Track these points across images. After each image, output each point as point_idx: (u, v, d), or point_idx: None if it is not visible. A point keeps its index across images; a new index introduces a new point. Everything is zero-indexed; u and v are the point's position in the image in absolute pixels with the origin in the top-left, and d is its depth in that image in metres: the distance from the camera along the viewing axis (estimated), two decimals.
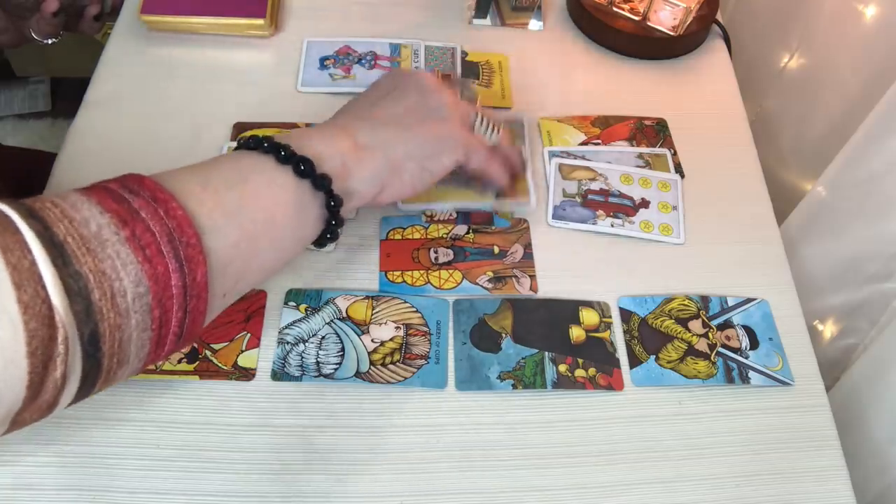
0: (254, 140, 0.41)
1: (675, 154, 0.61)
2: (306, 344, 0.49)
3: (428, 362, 0.49)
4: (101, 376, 0.33)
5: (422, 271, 0.53)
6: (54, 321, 0.29)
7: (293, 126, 0.60)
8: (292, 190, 0.40)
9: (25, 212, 0.31)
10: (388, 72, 0.50)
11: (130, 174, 0.36)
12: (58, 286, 0.30)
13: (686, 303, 0.53)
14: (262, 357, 0.49)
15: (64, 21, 0.71)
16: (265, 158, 0.40)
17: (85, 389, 0.33)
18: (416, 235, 0.55)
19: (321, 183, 0.41)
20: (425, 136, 0.46)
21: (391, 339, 0.50)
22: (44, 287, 0.29)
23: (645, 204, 0.58)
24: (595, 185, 0.58)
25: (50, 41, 0.72)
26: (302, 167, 0.40)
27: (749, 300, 0.54)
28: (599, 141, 0.62)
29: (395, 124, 0.46)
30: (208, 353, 0.48)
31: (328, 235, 0.44)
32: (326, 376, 0.48)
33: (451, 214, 0.56)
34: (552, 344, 0.50)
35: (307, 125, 0.60)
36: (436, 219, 0.56)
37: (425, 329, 0.50)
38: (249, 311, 0.50)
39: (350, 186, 0.43)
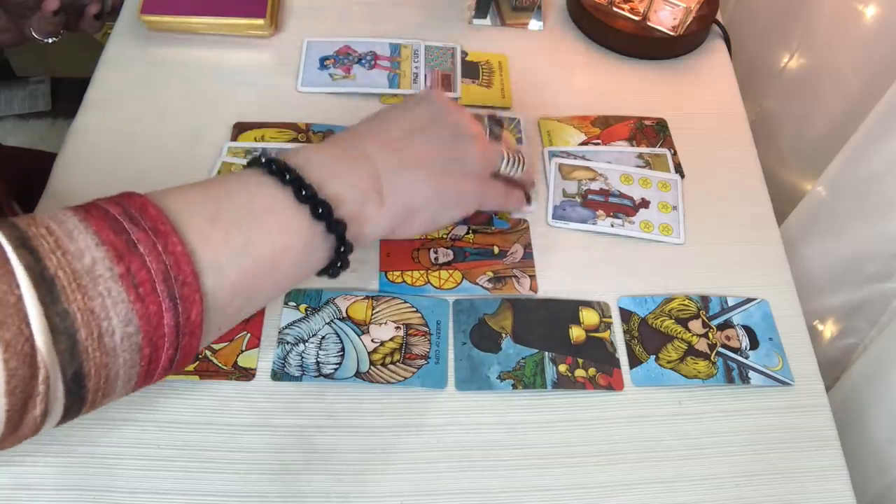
0: (276, 166, 0.39)
1: (675, 154, 0.61)
2: (306, 344, 0.49)
3: (428, 362, 0.49)
4: (85, 408, 0.32)
5: (422, 271, 0.53)
6: (36, 361, 0.28)
7: (293, 126, 0.60)
8: (305, 233, 0.39)
9: (17, 240, 0.30)
10: (428, 95, 0.47)
11: (134, 196, 0.34)
12: (43, 324, 0.29)
13: (686, 303, 0.53)
14: (262, 357, 0.49)
15: (64, 20, 0.71)
16: (283, 193, 0.38)
17: (67, 419, 0.32)
18: (416, 236, 0.55)
19: (335, 228, 0.39)
20: (445, 190, 0.45)
21: (391, 339, 0.50)
22: (28, 325, 0.28)
23: (645, 204, 0.58)
24: (595, 185, 0.58)
25: (50, 40, 0.72)
26: (320, 210, 0.38)
27: (749, 300, 0.54)
28: (599, 141, 0.62)
29: (421, 168, 0.44)
30: (208, 352, 0.48)
31: (329, 272, 0.43)
32: (326, 376, 0.48)
33: None
34: (552, 344, 0.50)
35: (307, 126, 0.60)
36: None
37: (425, 329, 0.50)
38: None
39: (363, 232, 0.42)
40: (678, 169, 0.60)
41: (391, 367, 0.49)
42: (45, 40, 0.72)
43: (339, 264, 0.42)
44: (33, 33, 0.71)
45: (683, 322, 0.52)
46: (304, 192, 0.38)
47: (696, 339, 0.51)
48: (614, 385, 0.49)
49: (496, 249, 0.55)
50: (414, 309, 0.51)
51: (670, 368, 0.50)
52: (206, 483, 0.44)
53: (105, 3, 0.72)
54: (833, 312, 0.61)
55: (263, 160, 0.39)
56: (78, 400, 0.31)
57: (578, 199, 0.58)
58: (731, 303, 0.53)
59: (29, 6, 0.69)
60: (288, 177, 0.38)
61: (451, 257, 0.54)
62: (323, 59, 0.65)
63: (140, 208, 0.33)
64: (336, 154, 0.42)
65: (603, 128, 0.63)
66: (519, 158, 0.51)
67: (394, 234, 0.45)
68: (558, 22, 0.71)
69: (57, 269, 0.30)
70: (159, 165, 0.58)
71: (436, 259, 0.54)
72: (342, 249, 0.40)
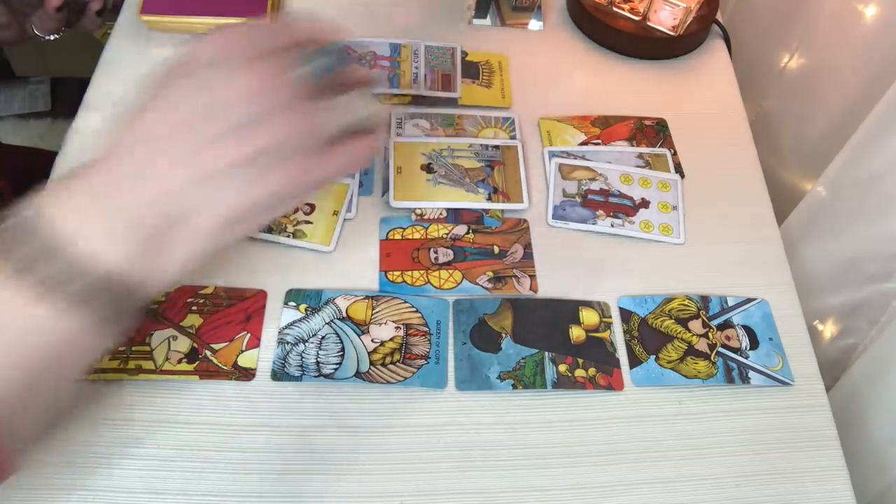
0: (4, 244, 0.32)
1: (675, 154, 0.61)
2: (306, 344, 0.49)
3: (428, 362, 0.49)
4: None
5: (422, 271, 0.53)
6: None
7: None
8: (61, 325, 0.32)
9: None
10: (187, 61, 0.36)
11: None
12: None
13: (686, 303, 0.53)
14: (262, 357, 0.49)
15: (66, 17, 0.70)
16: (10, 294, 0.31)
17: None
18: (416, 235, 0.55)
19: (93, 305, 0.32)
20: (258, 200, 0.35)
21: (391, 339, 0.50)
22: None
23: (645, 204, 0.58)
24: (595, 185, 0.58)
25: (52, 37, 0.72)
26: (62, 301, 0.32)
27: (749, 300, 0.54)
28: (599, 141, 0.62)
29: (218, 194, 0.34)
30: (208, 353, 0.48)
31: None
32: (326, 376, 0.48)
33: (441, 213, 0.56)
34: (552, 344, 0.50)
35: None
36: (426, 217, 0.56)
37: (425, 329, 0.50)
38: (249, 311, 0.50)
39: (145, 290, 0.34)
40: (678, 169, 0.60)
41: (391, 367, 0.49)
42: (47, 37, 0.72)
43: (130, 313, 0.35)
44: (35, 30, 0.71)
45: (683, 322, 0.52)
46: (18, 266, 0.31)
47: (696, 339, 0.51)
48: (614, 385, 0.49)
49: (496, 249, 0.55)
50: (414, 309, 0.51)
51: (670, 368, 0.50)
52: (206, 483, 0.44)
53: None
54: (833, 312, 0.61)
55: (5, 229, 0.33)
56: None
57: (578, 199, 0.58)
58: (731, 303, 0.53)
59: (31, 2, 0.68)
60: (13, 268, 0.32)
61: (451, 257, 0.54)
62: None
63: None
64: (94, 195, 0.35)
65: (603, 128, 0.63)
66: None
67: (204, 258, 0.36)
68: (558, 22, 0.71)
69: None
70: None
71: (436, 259, 0.54)
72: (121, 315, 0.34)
